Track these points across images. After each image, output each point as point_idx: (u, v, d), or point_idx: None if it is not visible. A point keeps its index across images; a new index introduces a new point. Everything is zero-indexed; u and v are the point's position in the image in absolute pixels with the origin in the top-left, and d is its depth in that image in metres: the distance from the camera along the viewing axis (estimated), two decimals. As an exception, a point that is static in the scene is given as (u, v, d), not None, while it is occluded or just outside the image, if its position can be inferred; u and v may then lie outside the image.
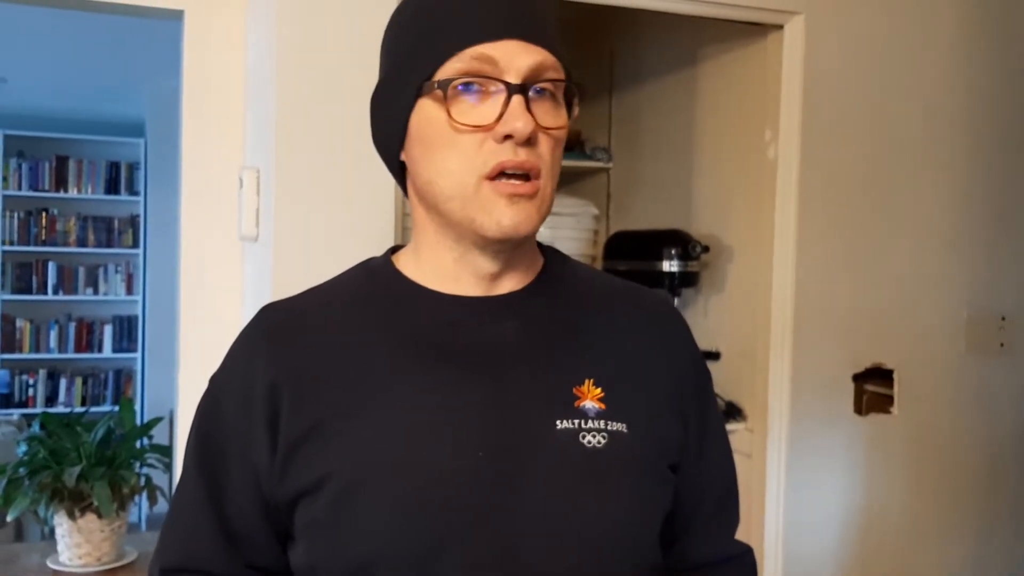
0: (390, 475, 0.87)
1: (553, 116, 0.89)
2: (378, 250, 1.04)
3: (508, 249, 0.92)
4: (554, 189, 0.92)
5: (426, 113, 0.90)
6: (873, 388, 2.34)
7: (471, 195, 0.88)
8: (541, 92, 0.88)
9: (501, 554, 0.86)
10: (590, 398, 0.92)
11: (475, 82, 0.87)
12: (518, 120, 0.85)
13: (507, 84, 0.86)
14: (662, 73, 2.80)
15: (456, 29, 0.88)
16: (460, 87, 0.87)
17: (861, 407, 2.33)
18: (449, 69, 0.88)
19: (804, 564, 2.28)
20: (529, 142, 0.87)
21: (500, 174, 0.87)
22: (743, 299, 2.41)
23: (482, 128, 0.86)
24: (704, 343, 2.50)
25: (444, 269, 0.95)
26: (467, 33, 0.87)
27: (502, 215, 0.87)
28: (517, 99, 0.86)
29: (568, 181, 3.28)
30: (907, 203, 2.35)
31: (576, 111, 0.93)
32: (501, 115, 0.86)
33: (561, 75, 0.91)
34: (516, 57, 0.87)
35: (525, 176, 0.87)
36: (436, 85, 0.88)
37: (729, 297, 2.48)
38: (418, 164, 0.92)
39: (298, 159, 1.80)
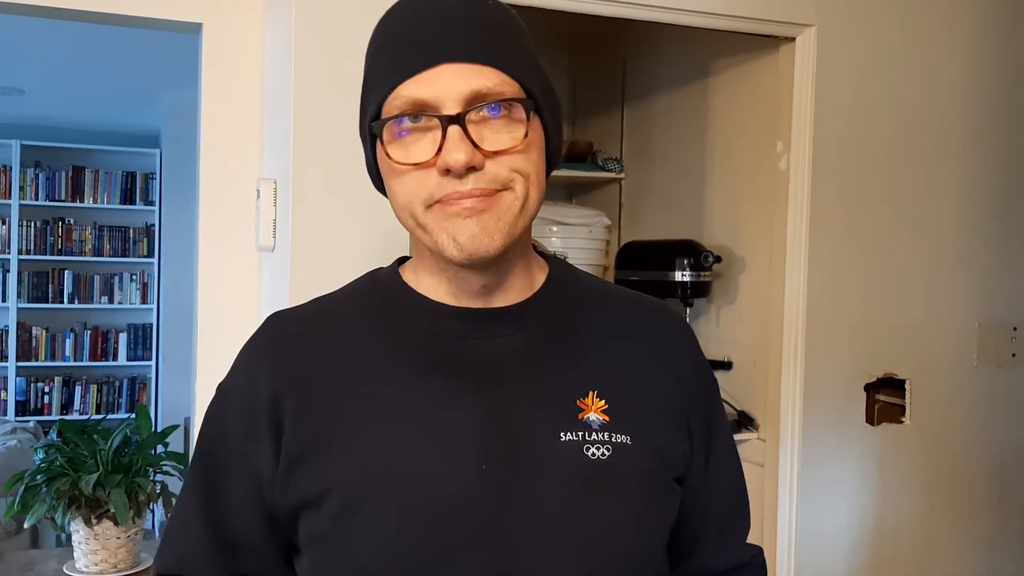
0: (392, 489, 0.87)
1: (507, 135, 0.86)
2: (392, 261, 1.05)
3: (487, 266, 0.91)
4: (533, 195, 0.89)
5: (380, 154, 0.91)
6: (885, 398, 2.34)
7: (425, 222, 0.88)
8: (493, 111, 0.86)
9: (503, 568, 0.86)
10: (594, 410, 0.91)
11: (410, 118, 0.86)
12: (451, 153, 0.83)
13: (439, 117, 0.84)
14: (674, 85, 2.82)
15: (390, 65, 0.88)
16: (397, 126, 0.87)
17: (873, 417, 2.33)
18: (388, 108, 0.87)
19: (816, 573, 2.28)
20: (474, 170, 0.85)
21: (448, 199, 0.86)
22: (755, 309, 2.41)
23: (421, 165, 0.86)
24: (716, 353, 2.51)
25: (441, 286, 0.95)
26: (399, 69, 0.87)
27: (457, 232, 0.86)
28: (453, 130, 0.84)
29: (580, 192, 3.29)
30: (918, 214, 2.36)
31: (530, 124, 0.88)
32: (441, 148, 0.84)
33: (512, 90, 0.87)
34: (449, 85, 0.84)
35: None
36: (372, 129, 0.89)
37: (741, 307, 2.49)
38: (389, 199, 0.94)
39: (315, 170, 1.82)
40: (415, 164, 0.86)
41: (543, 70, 0.93)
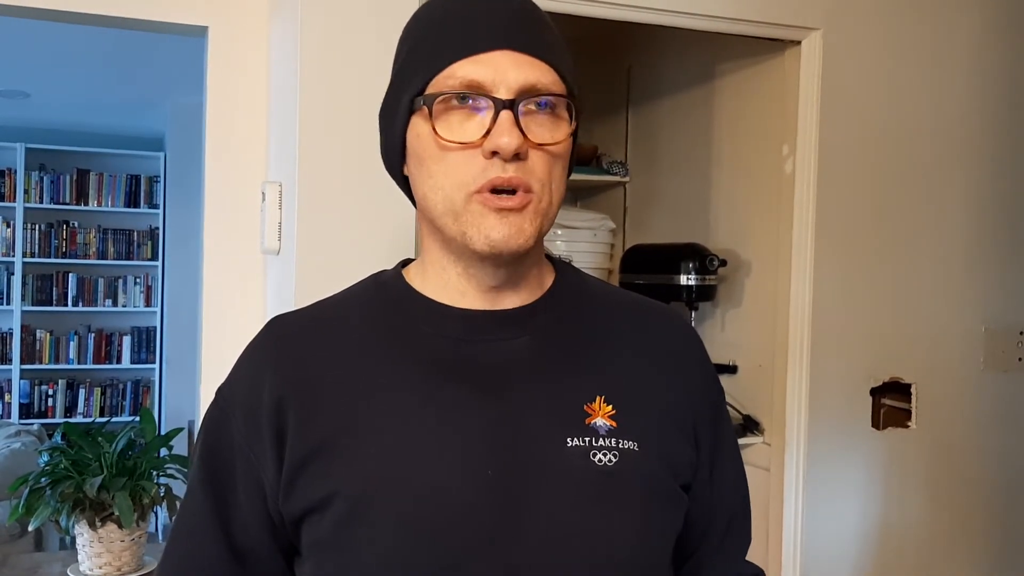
0: (397, 494, 0.86)
1: (550, 131, 0.87)
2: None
3: (508, 263, 0.91)
4: (555, 203, 0.90)
5: (417, 129, 0.89)
6: (891, 402, 2.33)
7: (461, 210, 0.87)
8: (541, 106, 0.87)
9: (509, 574, 0.85)
10: (601, 415, 0.90)
11: (463, 97, 0.86)
12: (503, 136, 0.84)
13: (494, 100, 0.85)
14: (680, 88, 2.82)
15: (446, 43, 0.88)
16: (448, 102, 0.86)
17: (879, 421, 2.32)
18: (438, 84, 0.87)
19: (822, 579, 2.28)
20: (519, 158, 0.85)
21: (489, 190, 0.86)
22: (760, 313, 2.41)
23: (469, 145, 0.86)
24: (721, 357, 2.51)
25: (450, 283, 0.94)
26: (456, 46, 0.87)
27: (491, 229, 0.86)
28: (505, 115, 0.84)
29: (585, 195, 3.29)
30: (925, 217, 2.35)
31: (573, 125, 0.90)
32: (489, 131, 0.84)
33: (560, 89, 0.88)
34: (507, 71, 0.85)
35: (514, 191, 0.86)
36: (422, 101, 0.88)
37: (746, 311, 2.48)
38: (415, 180, 0.92)
39: (321, 173, 1.82)
40: (462, 143, 0.86)
41: (578, 78, 0.93)
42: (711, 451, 1.01)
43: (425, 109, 0.87)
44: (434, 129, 0.87)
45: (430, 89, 0.88)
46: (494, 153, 0.85)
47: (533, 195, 0.87)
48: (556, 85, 0.88)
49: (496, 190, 0.86)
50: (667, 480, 0.93)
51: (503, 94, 0.85)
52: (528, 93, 0.86)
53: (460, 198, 0.87)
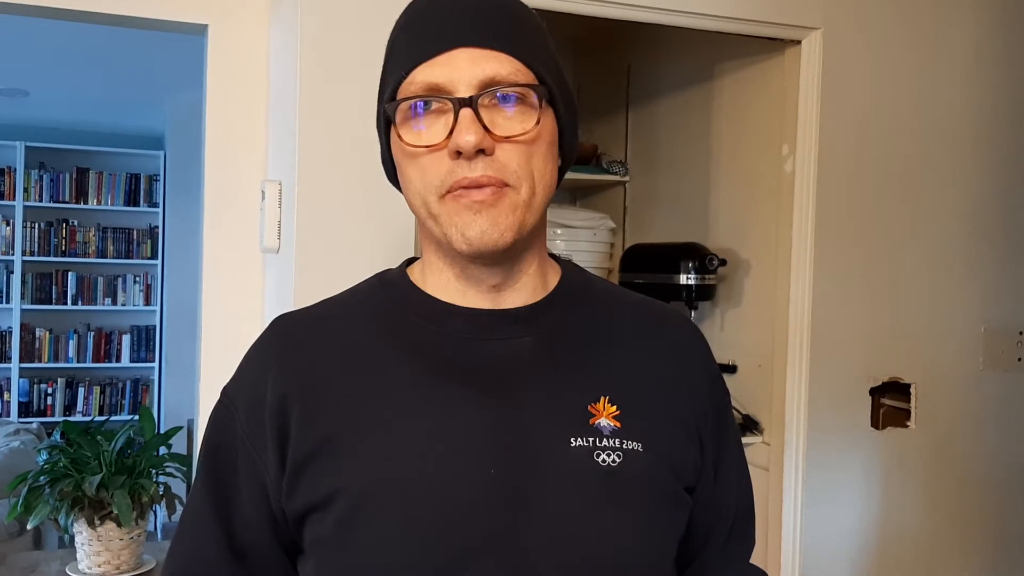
0: (400, 493, 0.86)
1: (519, 122, 0.86)
2: (400, 263, 1.05)
3: (498, 260, 0.91)
4: (540, 193, 0.89)
5: (393, 139, 0.91)
6: (890, 402, 2.33)
7: (438, 212, 0.88)
8: (506, 98, 0.86)
9: (512, 573, 0.85)
10: (605, 416, 0.90)
11: (423, 102, 0.87)
12: (462, 135, 0.84)
13: (451, 100, 0.85)
14: (679, 87, 2.81)
15: (408, 49, 0.89)
16: (411, 109, 0.87)
17: (878, 421, 2.32)
18: (404, 91, 0.88)
19: (821, 578, 2.28)
20: (484, 154, 0.85)
21: (459, 188, 0.86)
22: (760, 312, 2.41)
23: (432, 147, 0.86)
24: (721, 356, 2.50)
25: (450, 284, 0.94)
26: (415, 53, 0.88)
27: (466, 227, 0.86)
28: (464, 113, 0.84)
29: (585, 194, 3.29)
30: (924, 217, 2.35)
31: (540, 112, 0.88)
32: (452, 131, 0.85)
33: (526, 78, 0.87)
34: (463, 69, 0.85)
35: (485, 187, 0.86)
36: (386, 111, 0.90)
37: (746, 310, 2.48)
38: (402, 186, 0.94)
39: (320, 171, 1.82)
40: (427, 146, 0.87)
41: (559, 64, 0.93)
42: (716, 453, 1.01)
43: (390, 118, 0.89)
44: (400, 136, 0.88)
45: (398, 97, 0.89)
46: (459, 153, 0.85)
47: (508, 188, 0.87)
48: (520, 75, 0.87)
49: (466, 188, 0.86)
50: (671, 481, 0.93)
51: (463, 92, 0.85)
52: (489, 87, 0.85)
53: (434, 200, 0.88)
